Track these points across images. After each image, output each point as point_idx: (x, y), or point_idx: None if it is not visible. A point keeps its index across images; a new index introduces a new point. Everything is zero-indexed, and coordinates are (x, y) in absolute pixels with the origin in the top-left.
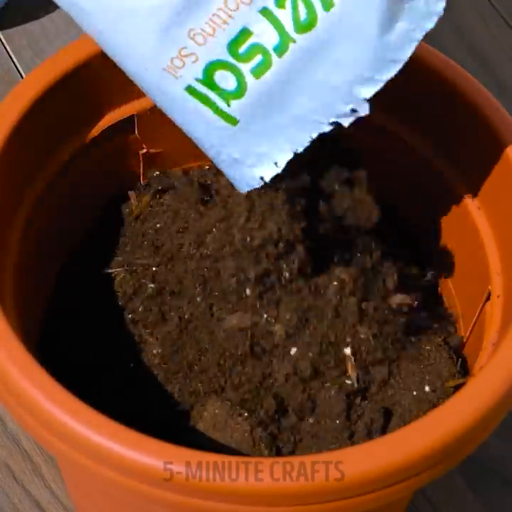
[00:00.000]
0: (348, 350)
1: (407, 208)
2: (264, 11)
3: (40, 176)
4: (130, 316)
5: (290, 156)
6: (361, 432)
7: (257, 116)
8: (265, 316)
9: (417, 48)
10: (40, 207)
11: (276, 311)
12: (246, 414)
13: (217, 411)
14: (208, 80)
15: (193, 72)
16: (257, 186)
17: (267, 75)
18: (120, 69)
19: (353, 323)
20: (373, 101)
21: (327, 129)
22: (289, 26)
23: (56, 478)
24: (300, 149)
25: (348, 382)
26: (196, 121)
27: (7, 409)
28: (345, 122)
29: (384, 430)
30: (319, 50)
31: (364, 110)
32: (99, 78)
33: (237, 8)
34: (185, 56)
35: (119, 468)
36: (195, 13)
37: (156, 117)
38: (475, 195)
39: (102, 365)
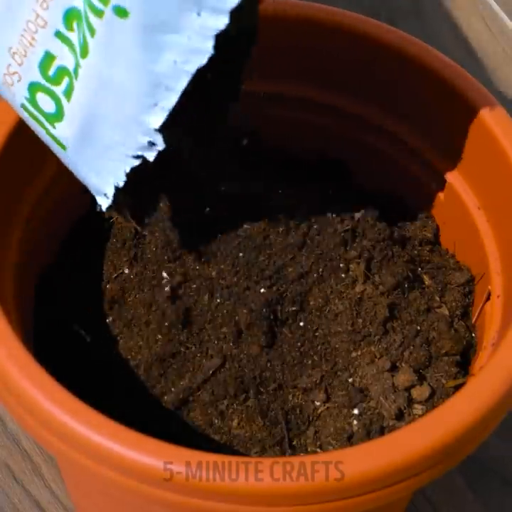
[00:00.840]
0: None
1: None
2: (59, 35)
3: (40, 175)
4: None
5: (113, 189)
6: (361, 433)
7: (81, 143)
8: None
9: (417, 48)
10: (40, 206)
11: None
12: (245, 413)
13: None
14: (33, 101)
15: (21, 91)
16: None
17: (74, 99)
18: None
19: None
20: (374, 100)
21: (135, 162)
22: (78, 50)
23: (56, 478)
24: (121, 183)
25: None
26: (43, 139)
27: (7, 409)
28: (150, 156)
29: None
30: (102, 76)
31: (160, 142)
32: None
33: (36, 30)
34: (12, 74)
35: (119, 468)
36: (9, 30)
37: None
38: (475, 195)
39: (102, 364)
